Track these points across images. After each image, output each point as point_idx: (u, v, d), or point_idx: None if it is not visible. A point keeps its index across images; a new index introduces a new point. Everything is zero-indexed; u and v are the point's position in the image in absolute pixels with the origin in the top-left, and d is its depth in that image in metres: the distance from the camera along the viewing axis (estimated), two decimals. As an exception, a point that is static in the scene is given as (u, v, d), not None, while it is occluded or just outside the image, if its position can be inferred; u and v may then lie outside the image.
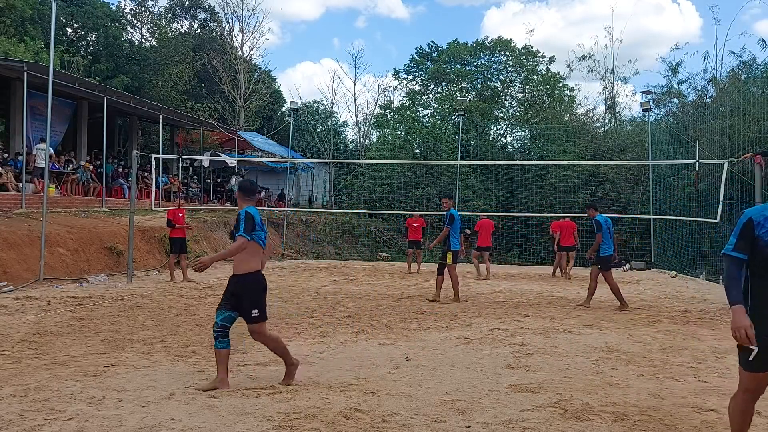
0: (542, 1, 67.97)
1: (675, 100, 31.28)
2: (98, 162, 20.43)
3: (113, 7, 33.04)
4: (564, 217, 17.37)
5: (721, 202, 12.26)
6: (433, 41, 36.88)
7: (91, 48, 30.98)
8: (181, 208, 13.81)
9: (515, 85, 35.46)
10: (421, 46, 36.68)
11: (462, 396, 4.77)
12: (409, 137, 30.72)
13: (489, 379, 5.31)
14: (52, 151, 15.78)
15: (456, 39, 36.88)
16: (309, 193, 33.61)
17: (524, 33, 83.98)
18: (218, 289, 11.60)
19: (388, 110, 36.00)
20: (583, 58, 37.60)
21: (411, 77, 36.61)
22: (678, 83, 30.99)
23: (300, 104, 31.76)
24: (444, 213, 10.91)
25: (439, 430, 4.02)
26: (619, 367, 5.83)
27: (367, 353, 6.32)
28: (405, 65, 36.77)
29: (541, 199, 27.54)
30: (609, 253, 10.32)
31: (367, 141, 37.95)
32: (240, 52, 34.06)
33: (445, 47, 36.06)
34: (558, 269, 16.40)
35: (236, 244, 4.92)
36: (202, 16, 39.10)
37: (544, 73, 34.70)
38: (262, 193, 29.33)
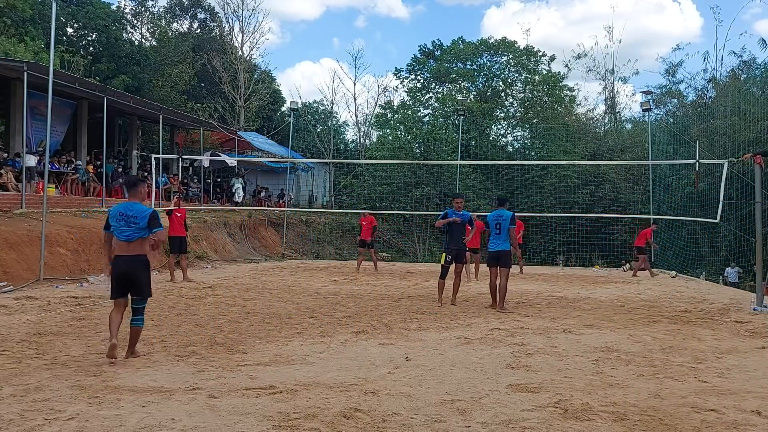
0: (542, 0, 68.04)
1: (675, 100, 31.35)
2: (98, 162, 20.43)
3: (114, 8, 33.09)
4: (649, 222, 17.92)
5: (721, 202, 12.28)
6: (438, 39, 36.85)
7: (92, 48, 31.01)
8: (181, 208, 13.79)
9: (516, 85, 35.51)
10: (424, 44, 36.72)
11: (462, 396, 4.77)
12: (409, 137, 30.75)
13: (489, 379, 5.30)
14: (44, 151, 15.72)
15: (461, 36, 36.93)
16: (309, 193, 33.62)
17: (520, 33, 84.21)
18: (218, 289, 11.63)
19: (388, 110, 36.02)
20: (579, 56, 37.70)
21: (413, 76, 36.61)
22: (678, 83, 31.08)
23: (300, 104, 31.77)
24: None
25: (439, 430, 4.02)
26: (619, 367, 5.83)
27: (367, 353, 6.32)
28: (407, 64, 36.81)
29: (541, 199, 27.58)
30: (489, 248, 10.00)
31: (367, 141, 37.99)
32: (240, 52, 34.07)
33: (448, 45, 36.07)
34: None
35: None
36: (201, 16, 39.14)
37: (545, 73, 34.74)
38: (263, 193, 29.36)
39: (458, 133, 27.52)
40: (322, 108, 40.84)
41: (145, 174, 21.23)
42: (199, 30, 38.87)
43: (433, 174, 28.16)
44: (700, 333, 7.76)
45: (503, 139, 36.07)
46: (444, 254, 10.10)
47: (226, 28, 36.99)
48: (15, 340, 6.61)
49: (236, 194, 26.56)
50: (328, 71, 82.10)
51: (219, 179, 29.40)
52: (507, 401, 4.66)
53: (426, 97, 36.10)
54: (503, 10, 67.94)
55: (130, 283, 5.82)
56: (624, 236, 24.60)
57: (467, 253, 16.01)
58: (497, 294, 9.73)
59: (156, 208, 16.68)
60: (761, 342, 7.14)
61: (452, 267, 10.05)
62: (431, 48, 36.39)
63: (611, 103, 38.27)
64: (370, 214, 17.94)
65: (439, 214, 10.48)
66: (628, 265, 19.97)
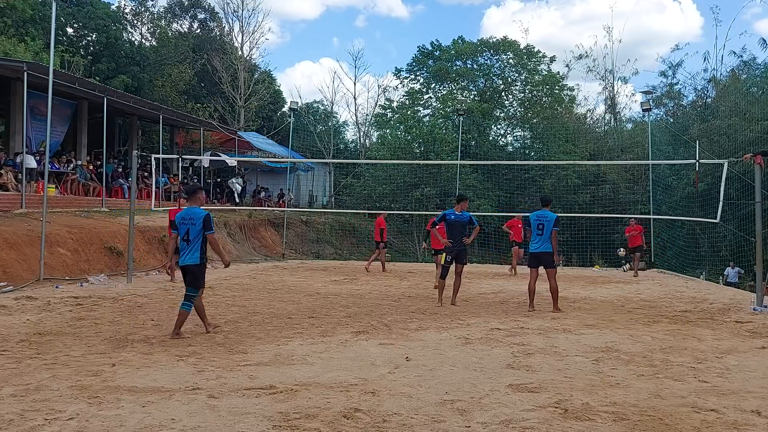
0: (542, 0, 67.99)
1: (675, 100, 31.38)
2: (98, 162, 20.42)
3: (114, 8, 33.08)
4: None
5: (721, 202, 12.26)
6: (437, 39, 36.83)
7: (92, 48, 31.00)
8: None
9: (516, 85, 35.50)
10: (423, 45, 36.73)
11: (462, 396, 4.77)
12: (409, 137, 30.76)
13: (489, 379, 5.31)
14: (44, 151, 15.68)
15: (461, 35, 36.93)
16: (309, 193, 33.62)
17: (519, 33, 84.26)
18: (218, 289, 11.63)
19: (388, 110, 36.00)
20: (580, 57, 37.71)
21: (413, 76, 36.59)
22: (678, 84, 31.12)
23: (300, 104, 31.74)
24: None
25: (439, 430, 4.02)
26: (619, 367, 5.83)
27: (367, 353, 6.32)
28: (408, 64, 36.79)
29: (542, 199, 27.53)
30: (530, 249, 9.91)
31: (367, 141, 37.99)
32: (240, 52, 34.06)
33: (449, 45, 36.07)
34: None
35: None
36: (201, 16, 39.12)
37: (545, 73, 34.72)
38: (262, 193, 29.38)
39: (458, 133, 27.52)
40: (322, 108, 40.85)
41: (145, 174, 21.24)
42: (199, 30, 38.85)
43: (433, 174, 28.15)
44: (700, 333, 7.76)
45: (503, 139, 36.08)
46: (444, 254, 10.11)
47: (226, 28, 37.03)
48: (15, 340, 6.62)
49: (234, 191, 26.53)
50: (328, 71, 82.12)
51: (219, 179, 29.42)
52: (507, 401, 4.66)
53: (426, 97, 36.10)
54: (503, 10, 67.94)
55: (188, 275, 7.07)
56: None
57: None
58: (551, 297, 9.61)
59: (156, 209, 16.66)
60: (761, 342, 7.15)
61: (453, 267, 10.04)
62: (430, 48, 36.40)
63: (611, 103, 38.30)
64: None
65: (437, 215, 10.49)
66: (627, 265, 19.94)
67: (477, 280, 14.76)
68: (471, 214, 10.39)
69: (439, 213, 10.65)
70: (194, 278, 7.04)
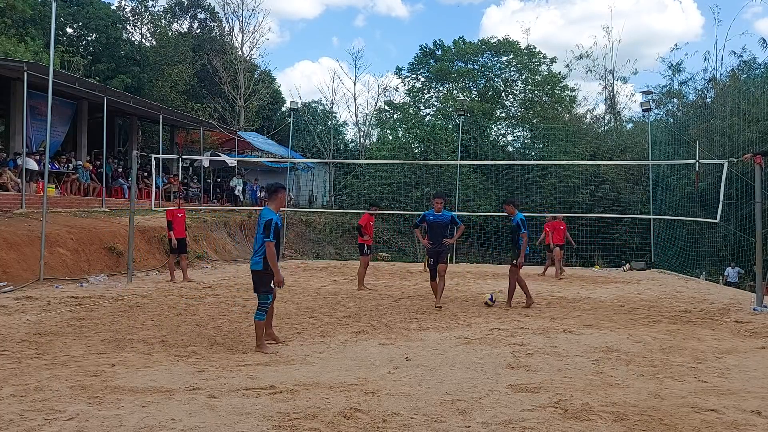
0: (541, -1, 67.89)
1: (675, 100, 31.35)
2: (98, 162, 20.42)
3: (113, 8, 33.07)
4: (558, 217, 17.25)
5: (721, 202, 12.25)
6: (441, 39, 36.86)
7: (92, 48, 30.99)
8: (181, 208, 13.74)
9: (517, 85, 35.51)
10: (426, 44, 36.76)
11: (462, 396, 4.77)
12: (409, 137, 30.74)
13: (489, 379, 5.31)
14: (44, 151, 15.65)
15: (462, 36, 36.95)
16: (309, 193, 33.62)
17: (520, 32, 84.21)
18: (218, 289, 11.63)
19: (390, 108, 36.00)
20: (581, 57, 37.71)
21: (414, 75, 36.60)
22: (678, 84, 31.10)
23: (300, 104, 31.74)
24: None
25: (439, 430, 4.02)
26: (619, 367, 5.83)
27: (367, 353, 6.32)
28: (409, 63, 36.83)
29: (542, 199, 27.55)
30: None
31: (367, 141, 38.00)
32: (240, 52, 34.07)
33: (450, 44, 36.09)
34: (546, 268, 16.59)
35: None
36: (201, 16, 39.11)
37: (546, 74, 34.73)
38: (262, 193, 29.32)
39: (458, 133, 27.52)
40: (321, 108, 40.85)
41: (146, 174, 21.25)
42: (199, 30, 38.83)
43: (433, 174, 28.14)
44: (700, 333, 7.76)
45: (503, 139, 36.08)
46: (426, 256, 10.24)
47: (226, 28, 36.99)
48: (15, 340, 6.62)
49: (236, 191, 26.55)
50: (328, 71, 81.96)
51: (219, 179, 29.41)
52: (507, 401, 4.66)
53: (427, 96, 36.11)
54: (503, 9, 67.90)
55: (252, 278, 6.54)
56: (624, 236, 24.60)
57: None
58: (511, 293, 10.33)
59: (155, 208, 16.65)
60: (761, 342, 7.15)
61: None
62: (432, 47, 36.41)
63: (611, 103, 38.29)
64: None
65: (419, 215, 10.56)
66: (628, 266, 19.93)
67: (477, 280, 14.76)
68: (454, 213, 10.46)
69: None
70: (255, 284, 6.52)
